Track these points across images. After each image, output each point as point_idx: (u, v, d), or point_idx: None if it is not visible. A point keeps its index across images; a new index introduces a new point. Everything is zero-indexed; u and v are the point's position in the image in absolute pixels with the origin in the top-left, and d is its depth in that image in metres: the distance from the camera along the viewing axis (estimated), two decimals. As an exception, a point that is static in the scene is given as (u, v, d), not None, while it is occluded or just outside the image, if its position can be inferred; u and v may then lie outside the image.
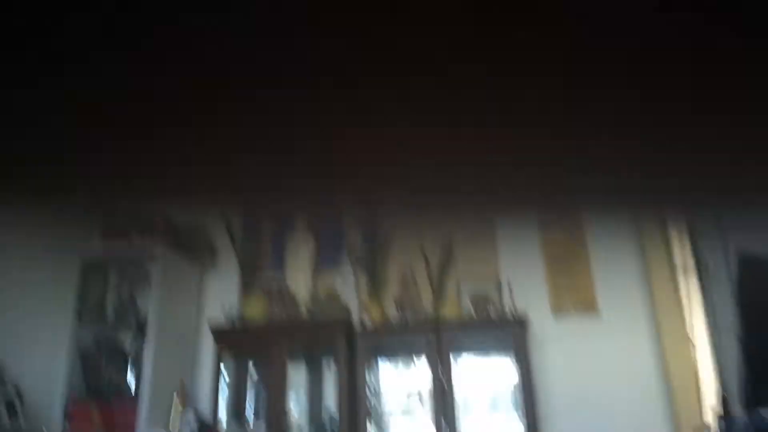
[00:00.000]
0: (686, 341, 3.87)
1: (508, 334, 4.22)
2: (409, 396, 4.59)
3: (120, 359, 4.40)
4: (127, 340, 4.43)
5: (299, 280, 4.65)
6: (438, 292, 4.53)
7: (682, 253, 3.32)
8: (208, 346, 4.55)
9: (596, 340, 4.55)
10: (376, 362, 4.68)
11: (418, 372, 4.58)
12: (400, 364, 4.71)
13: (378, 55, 0.22)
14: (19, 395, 3.70)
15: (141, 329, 4.27)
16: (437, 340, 4.22)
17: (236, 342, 4.42)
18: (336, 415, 4.17)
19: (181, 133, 0.25)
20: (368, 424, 4.17)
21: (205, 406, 4.39)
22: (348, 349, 4.31)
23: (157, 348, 4.14)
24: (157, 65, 0.23)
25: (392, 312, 4.57)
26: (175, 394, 4.25)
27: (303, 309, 4.54)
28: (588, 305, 4.66)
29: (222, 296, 4.82)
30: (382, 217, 4.36)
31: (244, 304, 4.60)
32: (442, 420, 4.04)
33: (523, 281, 4.62)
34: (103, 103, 0.24)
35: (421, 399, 4.53)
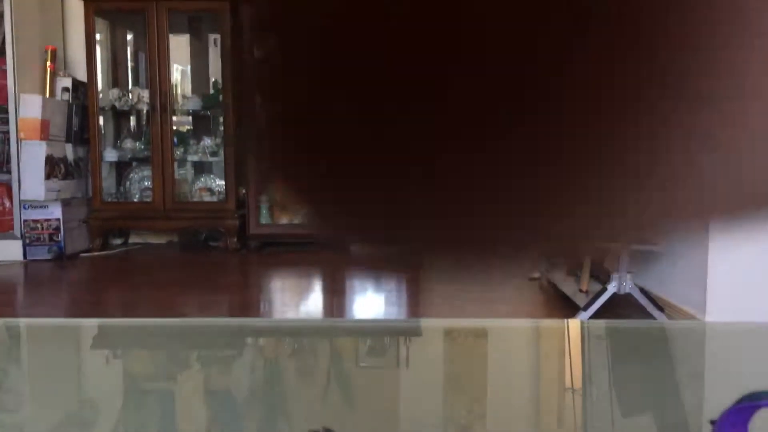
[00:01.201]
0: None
1: None
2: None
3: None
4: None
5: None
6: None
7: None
8: (77, 11, 4.19)
9: None
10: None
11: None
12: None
13: None
14: None
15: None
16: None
17: (108, 3, 4.11)
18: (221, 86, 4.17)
19: None
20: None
21: (81, 74, 4.22)
22: (234, 20, 4.13)
23: (19, 12, 3.77)
24: None
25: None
26: (47, 60, 4.01)
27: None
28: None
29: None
30: None
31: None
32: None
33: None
34: None
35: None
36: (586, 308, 2.47)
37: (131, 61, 4.56)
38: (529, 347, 0.74)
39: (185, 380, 0.60)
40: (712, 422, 0.34)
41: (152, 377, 0.63)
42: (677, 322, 2.02)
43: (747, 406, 0.33)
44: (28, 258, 3.95)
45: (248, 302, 3.05)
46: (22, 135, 3.83)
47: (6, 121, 3.90)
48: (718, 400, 0.36)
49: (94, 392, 0.57)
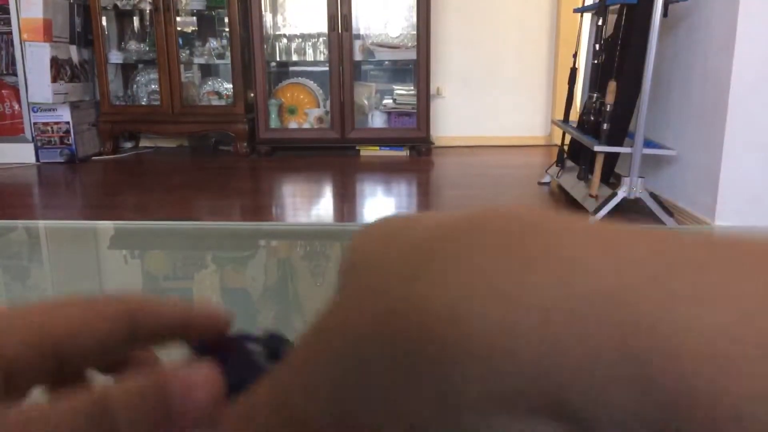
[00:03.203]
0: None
1: None
2: None
3: None
4: None
5: None
6: None
7: None
8: None
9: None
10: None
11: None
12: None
13: None
14: None
15: None
16: None
17: None
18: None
19: None
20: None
21: None
22: None
23: None
24: None
25: None
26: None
27: None
28: None
29: None
30: None
31: None
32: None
33: None
34: None
35: None
36: (595, 213, 2.48)
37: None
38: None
39: (202, 279, 0.62)
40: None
41: (170, 276, 0.65)
42: (685, 227, 2.03)
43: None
44: (41, 161, 3.98)
45: (260, 206, 3.09)
46: (25, 36, 3.75)
47: (8, 22, 3.81)
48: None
49: (115, 288, 0.59)
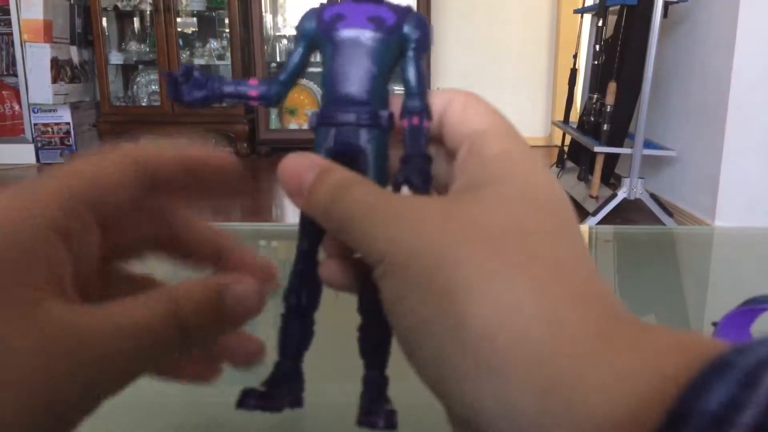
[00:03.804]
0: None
1: None
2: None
3: None
4: None
5: None
6: None
7: None
8: None
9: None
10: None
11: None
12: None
13: None
14: None
15: None
16: None
17: None
18: None
19: None
20: None
21: (82, -29, 4.05)
22: None
23: None
24: None
25: None
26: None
27: None
28: None
29: None
30: None
31: None
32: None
33: None
34: None
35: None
36: (595, 213, 2.48)
37: (132, -43, 4.37)
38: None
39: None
40: (714, 324, 0.34)
41: (169, 276, 0.65)
42: (685, 227, 2.03)
43: (750, 309, 0.33)
44: (41, 161, 3.98)
45: (260, 206, 3.09)
46: (25, 37, 3.75)
47: (8, 23, 3.81)
48: (722, 303, 0.37)
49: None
